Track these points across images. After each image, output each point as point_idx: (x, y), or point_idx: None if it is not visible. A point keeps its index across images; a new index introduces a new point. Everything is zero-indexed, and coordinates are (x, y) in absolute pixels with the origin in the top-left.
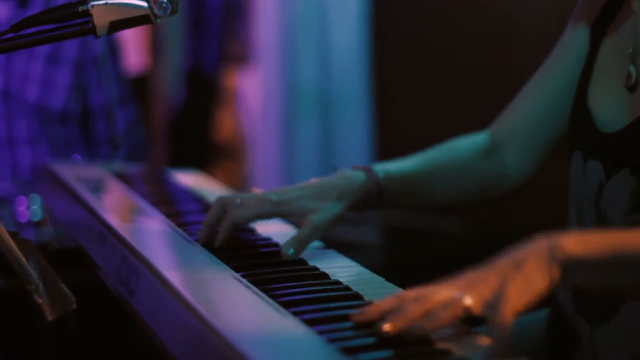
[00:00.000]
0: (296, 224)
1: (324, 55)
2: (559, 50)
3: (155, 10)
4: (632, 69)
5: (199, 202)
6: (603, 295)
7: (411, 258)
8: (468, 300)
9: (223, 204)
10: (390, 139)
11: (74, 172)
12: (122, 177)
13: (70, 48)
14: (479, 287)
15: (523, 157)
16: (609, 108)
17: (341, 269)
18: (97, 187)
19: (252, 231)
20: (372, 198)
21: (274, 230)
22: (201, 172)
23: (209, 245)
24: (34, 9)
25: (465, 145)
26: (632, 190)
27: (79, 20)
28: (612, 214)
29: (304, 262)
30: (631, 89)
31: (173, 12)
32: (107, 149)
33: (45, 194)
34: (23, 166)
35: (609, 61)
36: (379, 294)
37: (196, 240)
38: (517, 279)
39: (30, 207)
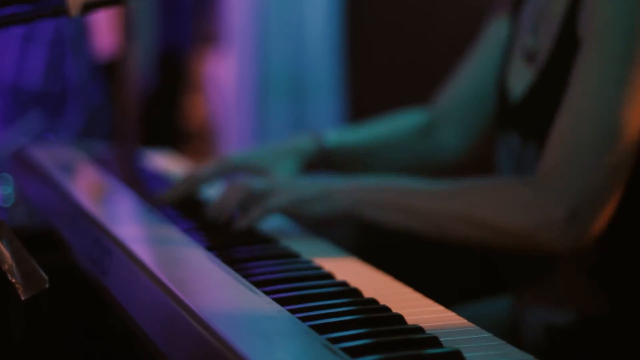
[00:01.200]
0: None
1: (297, 39)
2: (484, 37)
3: None
4: (531, 39)
5: (171, 181)
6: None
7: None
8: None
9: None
10: (363, 122)
11: (46, 153)
12: (95, 158)
13: (45, 27)
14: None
15: (457, 136)
16: (517, 78)
17: (312, 247)
18: (69, 168)
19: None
20: (317, 162)
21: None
22: (173, 150)
23: (181, 225)
24: None
25: (405, 122)
26: (535, 155)
27: (53, 2)
28: None
29: (275, 240)
30: (529, 59)
31: None
32: (77, 129)
33: (17, 175)
34: None
35: (520, 37)
36: (353, 273)
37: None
38: (308, 192)
39: (2, 190)
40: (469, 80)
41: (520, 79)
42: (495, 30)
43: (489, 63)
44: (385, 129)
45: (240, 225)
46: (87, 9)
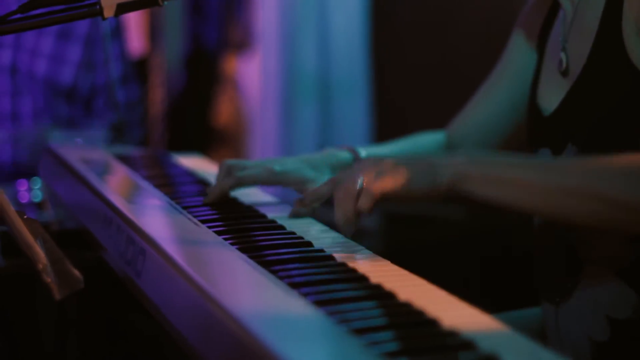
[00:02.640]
0: (296, 190)
1: (324, 40)
2: (505, 61)
3: None
4: (563, 55)
5: (201, 184)
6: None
7: (412, 243)
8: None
9: (229, 167)
10: (389, 123)
11: (77, 153)
12: (125, 160)
13: (81, 24)
14: (370, 170)
15: None
16: (550, 95)
17: (346, 250)
18: (100, 169)
19: (258, 213)
20: None
21: (278, 212)
22: (202, 155)
23: (214, 225)
24: None
25: (428, 139)
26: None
27: (86, 2)
28: None
29: (309, 244)
30: (563, 74)
31: None
32: (107, 128)
33: (47, 175)
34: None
35: (551, 58)
36: (386, 276)
37: (205, 201)
38: (408, 170)
39: (31, 189)
40: (487, 106)
41: (554, 93)
42: (519, 54)
43: (511, 88)
44: (410, 146)
45: (363, 207)
46: (121, 10)
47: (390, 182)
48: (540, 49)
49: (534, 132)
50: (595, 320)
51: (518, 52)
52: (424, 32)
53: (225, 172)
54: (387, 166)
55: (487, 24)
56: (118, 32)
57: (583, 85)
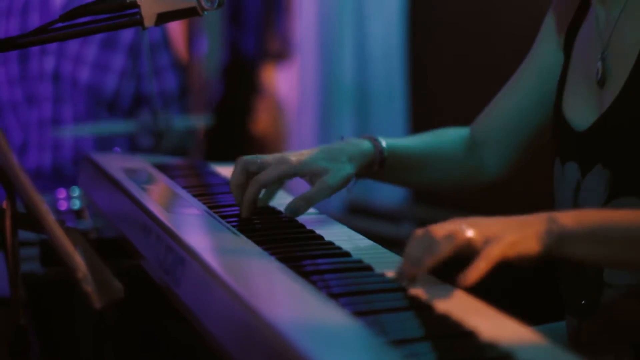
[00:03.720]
0: (310, 182)
1: (361, 50)
2: (531, 58)
3: (203, 3)
4: (600, 65)
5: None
6: (595, 264)
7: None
8: (470, 233)
9: (245, 164)
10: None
11: (116, 163)
12: (163, 169)
13: (126, 33)
14: (483, 227)
15: (497, 157)
16: (581, 108)
17: (384, 261)
18: (139, 178)
19: (296, 222)
20: (375, 165)
21: (316, 222)
22: None
23: (253, 235)
24: None
25: (453, 135)
26: (606, 183)
27: (127, 11)
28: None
29: (347, 254)
30: (600, 84)
31: (220, 5)
32: (150, 138)
33: (86, 183)
34: (65, 150)
35: (579, 65)
36: (424, 288)
37: (240, 217)
38: (516, 233)
39: (70, 197)
40: (511, 103)
41: (587, 106)
42: (545, 52)
43: (536, 86)
44: (434, 140)
45: (469, 280)
46: (161, 19)
47: (503, 249)
48: (567, 50)
49: (561, 144)
50: (618, 341)
51: (545, 49)
52: (462, 41)
53: (241, 169)
54: (496, 229)
55: (526, 31)
56: (166, 42)
57: (625, 102)
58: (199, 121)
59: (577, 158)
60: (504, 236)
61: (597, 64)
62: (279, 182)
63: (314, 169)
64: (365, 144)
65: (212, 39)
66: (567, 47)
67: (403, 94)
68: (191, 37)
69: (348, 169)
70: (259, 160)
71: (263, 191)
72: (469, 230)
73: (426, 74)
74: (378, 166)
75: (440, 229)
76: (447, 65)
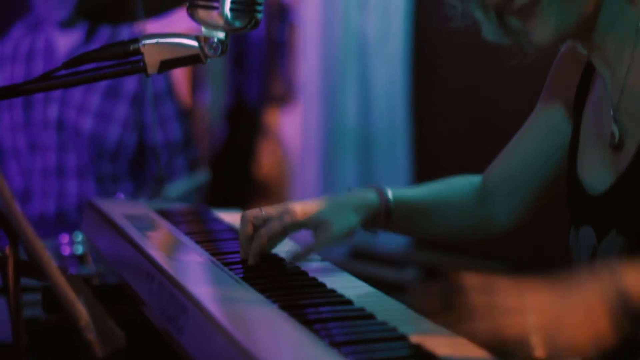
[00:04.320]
0: (314, 232)
1: (365, 94)
2: (538, 113)
3: (206, 50)
4: (614, 128)
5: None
6: None
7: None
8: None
9: (249, 220)
10: (429, 178)
11: (119, 208)
12: (166, 215)
13: (129, 83)
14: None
15: (508, 208)
16: (596, 171)
17: (387, 310)
18: (142, 225)
19: (299, 270)
20: (381, 216)
21: (318, 269)
22: (243, 211)
23: (256, 283)
24: (98, 42)
25: (464, 184)
26: (620, 250)
27: (130, 59)
28: None
29: (350, 302)
30: (615, 148)
31: (223, 52)
32: (154, 186)
33: (89, 229)
34: (68, 198)
35: (591, 128)
36: (426, 336)
37: (243, 264)
38: (584, 324)
39: (73, 242)
40: (520, 154)
41: (603, 170)
42: (549, 117)
43: (538, 142)
44: (443, 189)
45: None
46: (164, 67)
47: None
48: (576, 117)
49: (577, 208)
50: None
51: (551, 106)
52: (466, 87)
53: (247, 224)
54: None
55: (529, 79)
56: (170, 92)
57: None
58: (203, 173)
59: (592, 222)
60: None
61: (609, 127)
62: (283, 233)
63: (318, 221)
64: (371, 195)
65: (215, 83)
66: (577, 111)
67: (406, 138)
68: (195, 82)
69: (352, 220)
70: (263, 213)
71: None
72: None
73: (429, 119)
74: (384, 217)
75: (504, 312)
76: (450, 110)
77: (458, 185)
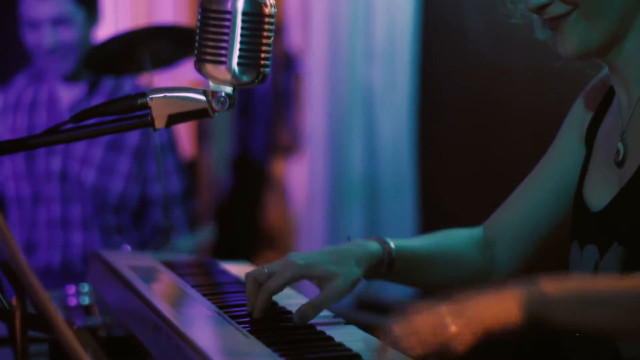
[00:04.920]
0: (318, 285)
1: (371, 144)
2: (551, 153)
3: (214, 104)
4: (620, 145)
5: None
6: (576, 331)
7: None
8: (454, 328)
9: (254, 278)
10: (435, 228)
11: (125, 260)
12: (172, 267)
13: (132, 136)
14: (465, 316)
15: (510, 256)
16: (599, 189)
17: None
18: (148, 276)
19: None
20: (383, 267)
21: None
22: (249, 263)
23: (263, 337)
24: (101, 94)
25: (463, 235)
26: (620, 260)
27: (137, 113)
28: None
29: (358, 356)
30: (619, 164)
31: (231, 107)
32: (158, 237)
33: (96, 280)
34: (74, 249)
35: (601, 150)
36: None
37: (250, 317)
38: (496, 306)
39: (80, 293)
40: (530, 199)
41: (605, 187)
42: (564, 151)
43: (550, 178)
44: (443, 240)
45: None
46: (172, 121)
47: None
48: (589, 142)
49: (580, 227)
50: None
51: (565, 143)
52: (470, 138)
53: (253, 285)
54: (476, 310)
55: (534, 129)
56: (172, 145)
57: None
58: (209, 229)
59: (596, 239)
60: (482, 316)
61: (617, 146)
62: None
63: (321, 273)
64: (373, 246)
65: (221, 133)
66: (589, 138)
67: (412, 188)
68: (200, 131)
69: (356, 272)
70: (265, 271)
71: None
72: (452, 325)
73: (435, 169)
74: (386, 268)
75: (424, 325)
76: (456, 160)
77: (458, 235)
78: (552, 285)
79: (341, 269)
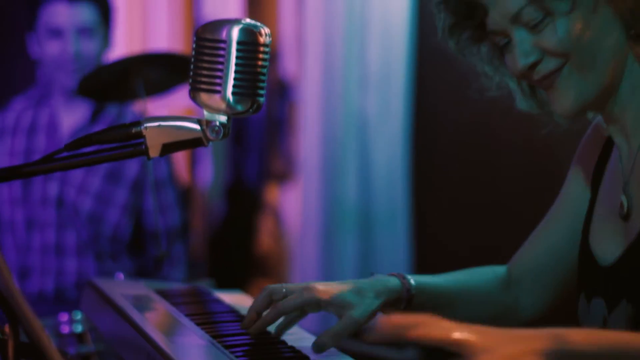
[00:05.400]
0: (336, 315)
1: (365, 172)
2: (562, 197)
3: (208, 134)
4: (623, 198)
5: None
6: None
7: None
8: (468, 336)
9: (270, 293)
10: (430, 258)
11: (119, 288)
12: (166, 296)
13: (130, 167)
14: (482, 334)
15: (533, 296)
16: (607, 242)
17: None
18: (142, 305)
19: (301, 354)
20: (402, 302)
21: (322, 356)
22: (243, 292)
23: None
24: (103, 123)
25: (488, 273)
26: (628, 318)
27: (132, 142)
28: None
29: None
30: (625, 218)
31: (225, 136)
32: (152, 266)
33: (89, 308)
34: (67, 276)
35: (605, 199)
36: None
37: (241, 327)
38: (515, 346)
39: (73, 320)
40: (545, 242)
41: (612, 241)
42: (575, 190)
43: (568, 225)
44: (466, 278)
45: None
46: (166, 150)
47: None
48: (594, 188)
49: (587, 280)
50: None
51: (575, 189)
52: (464, 167)
53: (265, 297)
54: (496, 339)
55: (527, 160)
56: (172, 178)
57: None
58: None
59: (603, 294)
60: (501, 348)
61: (620, 198)
62: (301, 311)
63: (340, 302)
64: (393, 281)
65: (215, 160)
66: (594, 183)
67: (406, 216)
68: (194, 158)
69: (375, 303)
70: (284, 290)
71: (282, 318)
72: (469, 334)
73: (429, 198)
74: (406, 303)
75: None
76: (450, 189)
77: (482, 274)
78: (582, 338)
79: (360, 299)
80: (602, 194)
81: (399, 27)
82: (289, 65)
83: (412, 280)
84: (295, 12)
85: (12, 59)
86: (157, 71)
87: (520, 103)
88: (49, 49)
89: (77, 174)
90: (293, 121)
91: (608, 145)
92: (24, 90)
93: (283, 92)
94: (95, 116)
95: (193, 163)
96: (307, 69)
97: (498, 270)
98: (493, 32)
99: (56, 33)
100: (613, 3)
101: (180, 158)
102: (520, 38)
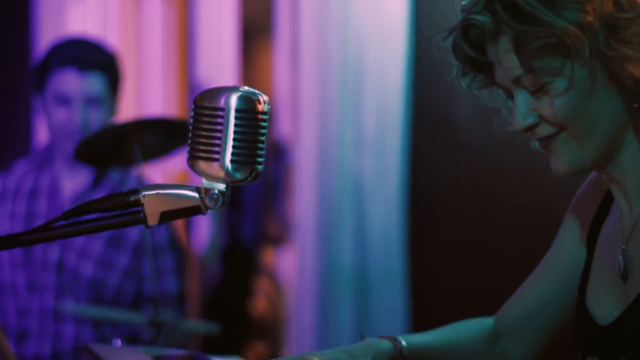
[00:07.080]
0: None
1: (361, 235)
2: (554, 250)
3: (207, 202)
4: (621, 259)
5: None
6: None
7: None
8: None
9: None
10: (427, 318)
11: (116, 354)
12: None
13: (132, 232)
14: None
15: (521, 347)
16: (605, 302)
17: None
18: None
19: None
20: None
21: None
22: (241, 358)
23: None
24: (105, 189)
25: (475, 327)
26: None
27: (130, 209)
28: None
29: None
30: (623, 278)
31: (224, 204)
32: (150, 331)
33: None
34: (65, 340)
35: (602, 258)
36: None
37: None
38: None
39: None
40: (534, 294)
41: (610, 300)
42: (568, 245)
43: (559, 278)
44: (454, 334)
45: None
46: (165, 218)
47: None
48: (590, 246)
49: (584, 339)
50: None
51: (568, 242)
52: (461, 228)
53: None
54: None
55: (523, 220)
56: (171, 245)
57: None
58: (200, 326)
59: (601, 352)
60: None
61: (618, 258)
62: None
63: None
64: (385, 344)
65: (211, 224)
66: (590, 243)
67: (403, 279)
68: (189, 221)
69: None
70: None
71: None
72: None
73: (426, 261)
74: None
75: None
76: (447, 252)
77: (469, 328)
78: None
79: None
80: (599, 251)
81: (395, 89)
82: (283, 127)
83: (404, 341)
84: (290, 75)
85: (14, 121)
86: (153, 136)
87: (534, 144)
88: (55, 116)
89: (78, 239)
90: (288, 184)
91: (607, 199)
92: (24, 153)
93: (278, 154)
94: (97, 181)
95: (189, 227)
96: (302, 131)
97: (485, 322)
98: (499, 86)
99: (64, 101)
100: (615, 77)
101: (176, 222)
102: (521, 99)
